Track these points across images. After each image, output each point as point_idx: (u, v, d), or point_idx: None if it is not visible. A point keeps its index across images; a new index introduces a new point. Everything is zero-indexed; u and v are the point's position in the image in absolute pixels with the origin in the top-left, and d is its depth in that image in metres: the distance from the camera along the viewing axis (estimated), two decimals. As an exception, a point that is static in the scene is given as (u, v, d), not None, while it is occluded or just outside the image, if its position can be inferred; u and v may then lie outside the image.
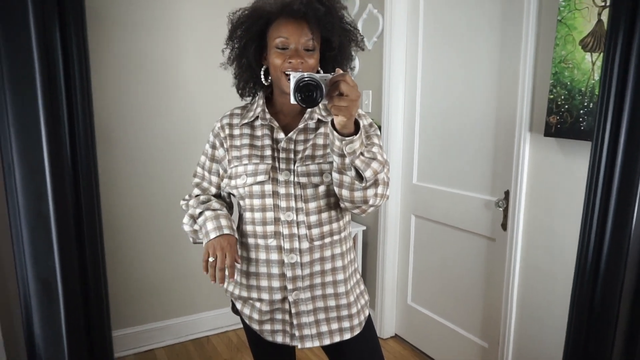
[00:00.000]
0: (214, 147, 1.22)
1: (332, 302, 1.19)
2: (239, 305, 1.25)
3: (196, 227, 1.18)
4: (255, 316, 1.21)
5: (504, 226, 1.90)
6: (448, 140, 2.17)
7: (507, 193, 1.88)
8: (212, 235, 1.10)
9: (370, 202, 1.06)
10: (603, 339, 0.76)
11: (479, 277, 2.08)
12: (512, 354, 1.90)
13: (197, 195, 1.26)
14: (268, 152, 1.14)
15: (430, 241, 2.35)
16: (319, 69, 1.15)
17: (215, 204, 1.20)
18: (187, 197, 1.28)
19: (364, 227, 2.65)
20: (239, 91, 1.23)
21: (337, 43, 1.13)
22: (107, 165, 2.28)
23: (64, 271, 0.49)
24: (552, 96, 1.57)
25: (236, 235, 1.14)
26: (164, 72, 2.37)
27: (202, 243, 1.15)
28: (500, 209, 1.91)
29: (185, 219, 1.21)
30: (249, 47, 1.13)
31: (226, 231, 1.11)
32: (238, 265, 1.16)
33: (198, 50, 2.42)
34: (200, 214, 1.17)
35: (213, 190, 1.25)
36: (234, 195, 1.21)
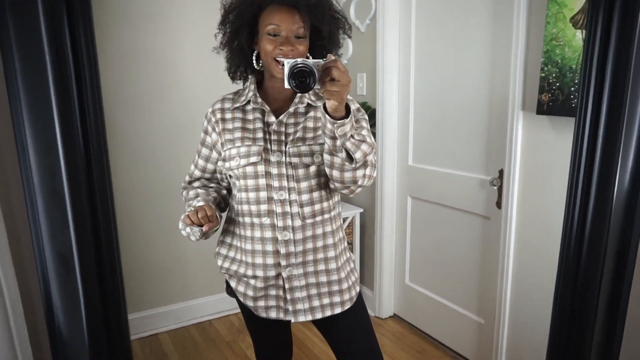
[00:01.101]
0: (206, 132, 1.26)
1: (323, 278, 1.24)
2: (233, 284, 1.29)
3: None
4: (250, 293, 1.25)
5: (499, 204, 1.94)
6: (442, 121, 2.20)
7: (501, 172, 1.91)
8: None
9: (359, 183, 1.11)
10: (588, 302, 0.80)
11: (475, 256, 2.13)
12: (507, 329, 1.96)
13: (190, 184, 1.31)
14: (260, 135, 1.18)
15: (427, 221, 2.39)
16: (308, 54, 1.18)
17: (200, 191, 1.25)
18: (183, 184, 1.34)
19: (361, 210, 2.69)
20: (231, 74, 1.27)
21: (326, 31, 1.16)
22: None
23: (80, 245, 0.51)
24: (543, 74, 1.60)
25: (212, 205, 1.16)
26: (166, 58, 2.39)
27: (199, 236, 1.15)
28: (495, 187, 1.95)
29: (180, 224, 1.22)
30: (240, 32, 1.17)
31: (199, 204, 1.16)
32: (212, 225, 1.13)
33: (197, 38, 2.44)
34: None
35: (207, 176, 1.31)
36: (228, 176, 1.25)
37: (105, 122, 0.65)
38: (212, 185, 1.32)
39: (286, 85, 0.97)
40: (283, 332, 1.40)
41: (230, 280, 1.30)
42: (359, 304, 1.32)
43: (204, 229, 1.10)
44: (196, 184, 1.32)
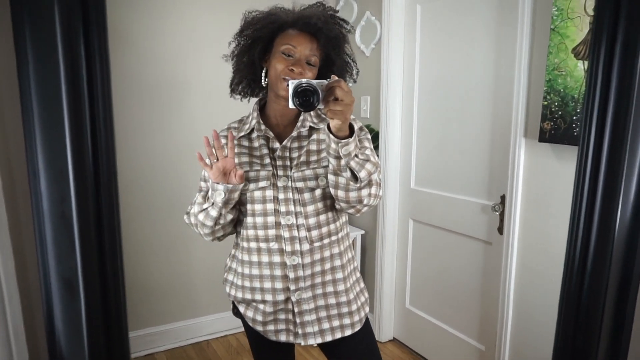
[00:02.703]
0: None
1: (332, 300, 1.23)
2: (242, 309, 1.28)
3: (206, 205, 1.18)
4: (259, 318, 1.24)
5: (500, 230, 1.94)
6: (445, 145, 2.21)
7: (503, 197, 1.92)
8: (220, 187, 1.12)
9: (365, 202, 1.11)
10: (590, 332, 0.80)
11: (476, 281, 2.12)
12: (508, 356, 1.93)
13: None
14: (267, 160, 1.19)
15: (428, 245, 2.38)
16: None
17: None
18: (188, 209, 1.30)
19: (363, 232, 2.68)
20: (232, 86, 1.27)
21: (337, 67, 1.20)
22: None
23: (85, 271, 0.52)
24: (546, 103, 1.61)
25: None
26: (176, 78, 2.42)
27: (215, 224, 1.17)
28: (497, 213, 1.95)
29: (196, 208, 1.21)
30: (255, 46, 1.18)
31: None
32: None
33: (210, 56, 2.47)
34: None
35: None
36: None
37: (117, 142, 0.66)
38: None
39: (290, 105, 0.98)
40: (287, 355, 1.39)
41: (239, 306, 1.29)
42: (367, 327, 1.31)
43: (234, 181, 1.09)
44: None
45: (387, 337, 2.66)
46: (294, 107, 0.98)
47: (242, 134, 1.22)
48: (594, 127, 0.79)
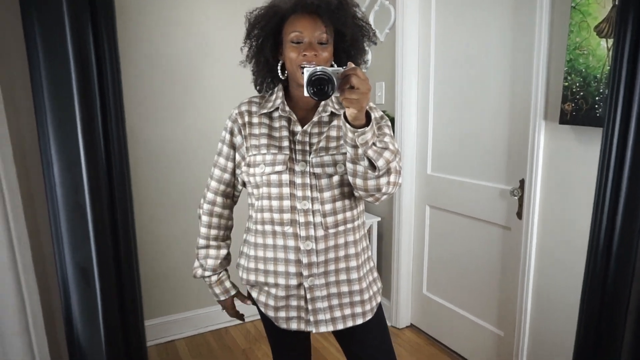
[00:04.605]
0: (232, 133, 1.24)
1: (345, 288, 1.22)
2: (254, 294, 1.28)
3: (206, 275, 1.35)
4: (271, 302, 1.24)
5: (519, 215, 1.91)
6: (462, 130, 2.17)
7: (522, 182, 1.88)
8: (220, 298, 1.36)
9: (384, 190, 1.09)
10: (616, 318, 0.78)
11: (495, 266, 2.09)
12: (527, 341, 1.92)
13: (204, 211, 1.32)
14: (286, 144, 1.18)
15: (445, 231, 2.36)
16: (333, 62, 1.18)
17: (211, 252, 1.34)
18: (202, 203, 1.33)
19: (379, 219, 2.67)
20: (257, 87, 1.28)
21: (349, 36, 1.16)
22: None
23: (100, 258, 0.52)
24: (567, 83, 1.57)
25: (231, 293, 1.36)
26: (188, 69, 2.42)
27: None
28: (515, 197, 1.91)
29: (196, 264, 1.37)
30: (265, 44, 1.17)
31: (222, 297, 1.35)
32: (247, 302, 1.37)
33: (221, 48, 2.46)
34: (204, 270, 1.34)
35: (222, 188, 1.29)
36: (249, 182, 1.23)
37: (128, 132, 0.66)
38: (223, 217, 1.32)
39: (305, 94, 0.96)
40: (303, 343, 1.39)
41: (252, 291, 1.29)
42: (379, 316, 1.31)
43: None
44: (206, 218, 1.32)
45: (405, 323, 2.65)
46: (308, 96, 0.96)
47: (265, 111, 1.21)
48: (620, 107, 0.76)
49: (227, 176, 1.28)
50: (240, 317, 1.41)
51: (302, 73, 1.01)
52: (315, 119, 1.18)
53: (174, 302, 2.59)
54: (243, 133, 1.21)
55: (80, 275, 0.54)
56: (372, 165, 1.03)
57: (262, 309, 1.28)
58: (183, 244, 2.54)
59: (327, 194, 1.17)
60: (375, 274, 1.33)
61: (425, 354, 2.39)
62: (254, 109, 1.23)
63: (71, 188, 0.52)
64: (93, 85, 0.50)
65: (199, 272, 1.35)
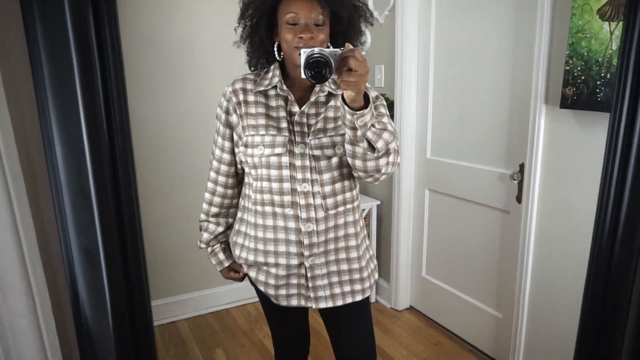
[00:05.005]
0: (227, 112, 1.22)
1: (344, 266, 1.24)
2: (252, 274, 1.28)
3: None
4: (272, 281, 1.25)
5: (519, 199, 1.91)
6: (462, 114, 2.17)
7: (521, 166, 1.88)
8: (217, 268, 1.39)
9: (383, 171, 1.10)
10: (620, 301, 0.78)
11: (494, 250, 2.11)
12: (526, 324, 1.94)
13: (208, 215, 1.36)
14: (284, 125, 1.17)
15: (445, 215, 2.37)
16: (329, 44, 1.17)
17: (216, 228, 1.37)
18: (202, 215, 1.38)
19: (378, 202, 2.68)
20: (252, 68, 1.26)
21: (346, 18, 1.15)
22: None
23: (105, 240, 0.52)
24: (568, 67, 1.56)
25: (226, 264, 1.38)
26: (190, 47, 2.41)
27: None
28: (515, 181, 1.92)
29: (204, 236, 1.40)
30: (260, 24, 1.15)
31: (218, 268, 1.39)
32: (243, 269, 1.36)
33: (219, 26, 2.44)
34: (200, 242, 1.40)
35: (224, 169, 1.28)
36: (246, 162, 1.21)
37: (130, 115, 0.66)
38: (226, 196, 1.32)
39: (302, 76, 0.95)
40: (301, 321, 1.42)
41: (250, 271, 1.29)
42: (367, 301, 1.34)
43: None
44: (208, 196, 1.33)
45: (404, 305, 2.68)
46: (305, 78, 0.95)
47: (261, 88, 1.19)
48: (627, 91, 0.75)
49: (226, 155, 1.27)
50: (241, 279, 1.41)
51: (299, 55, 1.00)
52: (312, 99, 1.17)
53: (176, 284, 2.61)
54: (238, 112, 1.19)
55: (85, 257, 0.55)
56: (371, 147, 1.03)
57: (262, 288, 1.28)
58: (186, 225, 2.55)
59: (326, 176, 1.18)
60: (372, 252, 1.36)
61: (424, 336, 2.42)
62: (249, 86, 1.21)
63: (74, 170, 0.52)
64: (94, 66, 0.49)
65: (198, 242, 1.41)
